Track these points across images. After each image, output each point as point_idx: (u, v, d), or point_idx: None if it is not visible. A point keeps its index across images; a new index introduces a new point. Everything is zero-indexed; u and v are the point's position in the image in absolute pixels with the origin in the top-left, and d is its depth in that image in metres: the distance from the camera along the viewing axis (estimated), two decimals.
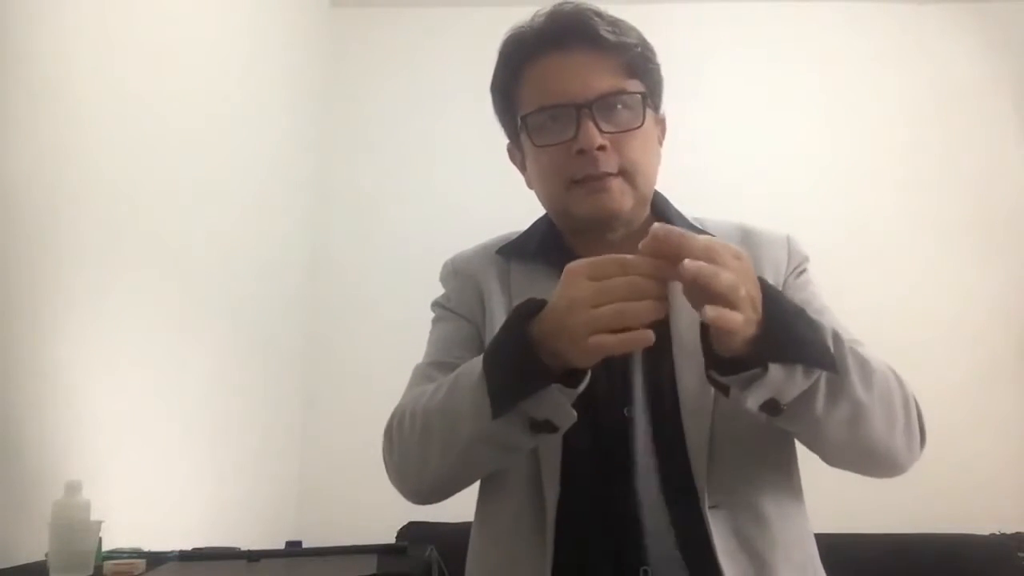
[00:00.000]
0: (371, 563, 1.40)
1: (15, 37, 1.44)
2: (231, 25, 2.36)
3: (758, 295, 0.82)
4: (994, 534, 2.47)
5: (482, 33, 3.09)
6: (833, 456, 0.97)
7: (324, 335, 2.98)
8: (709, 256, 0.78)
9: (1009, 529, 2.47)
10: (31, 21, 1.48)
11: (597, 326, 0.80)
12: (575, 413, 0.88)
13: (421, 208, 3.04)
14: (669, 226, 0.82)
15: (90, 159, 1.65)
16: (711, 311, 0.77)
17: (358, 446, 3.07)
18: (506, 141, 1.16)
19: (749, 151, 2.99)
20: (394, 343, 3.11)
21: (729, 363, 0.85)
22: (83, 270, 1.63)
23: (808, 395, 0.86)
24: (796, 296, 1.05)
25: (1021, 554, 2.35)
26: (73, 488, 1.28)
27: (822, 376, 0.86)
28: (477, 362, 0.93)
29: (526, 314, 0.87)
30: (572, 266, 0.84)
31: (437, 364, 1.09)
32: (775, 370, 0.83)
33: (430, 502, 1.05)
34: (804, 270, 1.12)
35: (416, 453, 1.00)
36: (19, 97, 1.45)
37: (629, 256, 0.82)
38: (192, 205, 2.09)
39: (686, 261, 0.77)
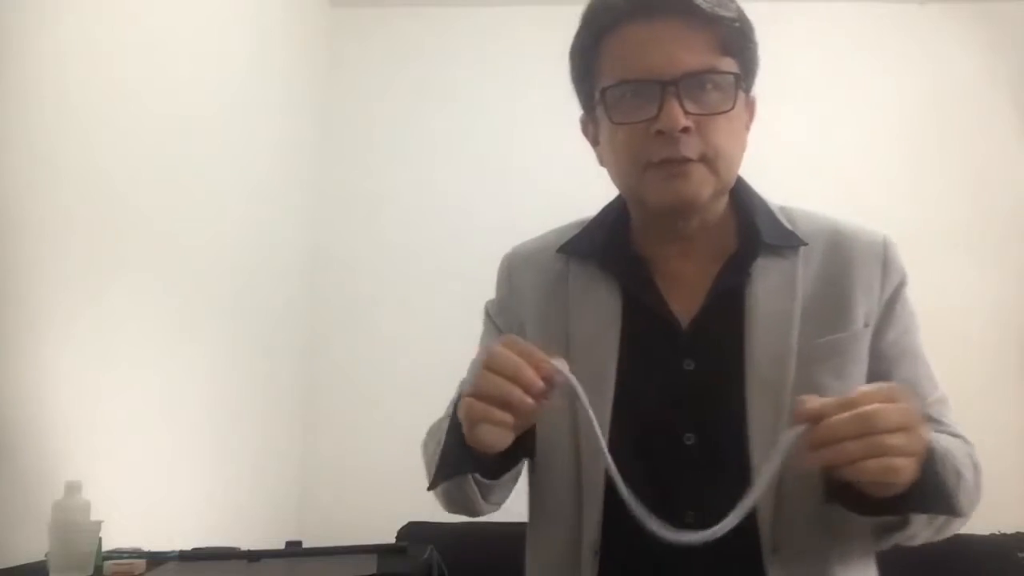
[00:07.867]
0: (371, 563, 1.41)
1: (15, 38, 1.44)
2: (231, 26, 2.36)
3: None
4: (994, 534, 2.46)
5: (482, 33, 3.13)
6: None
7: (324, 335, 2.97)
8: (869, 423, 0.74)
9: (1009, 529, 2.46)
10: (30, 22, 1.48)
11: (472, 416, 0.79)
12: (488, 507, 0.96)
13: (421, 208, 3.03)
14: (814, 407, 0.76)
15: (90, 160, 1.65)
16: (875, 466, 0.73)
17: (358, 446, 3.10)
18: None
19: (747, 150, 2.98)
20: (394, 343, 3.14)
21: (861, 503, 0.82)
22: (83, 270, 1.63)
23: (918, 520, 0.87)
24: (896, 339, 0.98)
25: (1021, 554, 2.35)
26: (73, 488, 1.28)
27: None
28: (444, 424, 0.94)
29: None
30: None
31: None
32: (916, 519, 0.83)
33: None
34: (905, 298, 1.00)
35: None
36: (18, 98, 1.45)
37: (510, 347, 0.79)
38: (192, 206, 2.09)
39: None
